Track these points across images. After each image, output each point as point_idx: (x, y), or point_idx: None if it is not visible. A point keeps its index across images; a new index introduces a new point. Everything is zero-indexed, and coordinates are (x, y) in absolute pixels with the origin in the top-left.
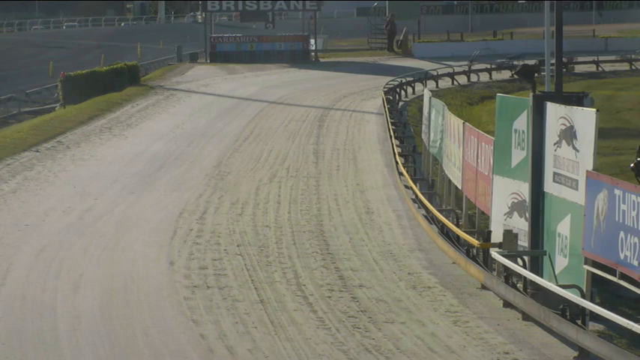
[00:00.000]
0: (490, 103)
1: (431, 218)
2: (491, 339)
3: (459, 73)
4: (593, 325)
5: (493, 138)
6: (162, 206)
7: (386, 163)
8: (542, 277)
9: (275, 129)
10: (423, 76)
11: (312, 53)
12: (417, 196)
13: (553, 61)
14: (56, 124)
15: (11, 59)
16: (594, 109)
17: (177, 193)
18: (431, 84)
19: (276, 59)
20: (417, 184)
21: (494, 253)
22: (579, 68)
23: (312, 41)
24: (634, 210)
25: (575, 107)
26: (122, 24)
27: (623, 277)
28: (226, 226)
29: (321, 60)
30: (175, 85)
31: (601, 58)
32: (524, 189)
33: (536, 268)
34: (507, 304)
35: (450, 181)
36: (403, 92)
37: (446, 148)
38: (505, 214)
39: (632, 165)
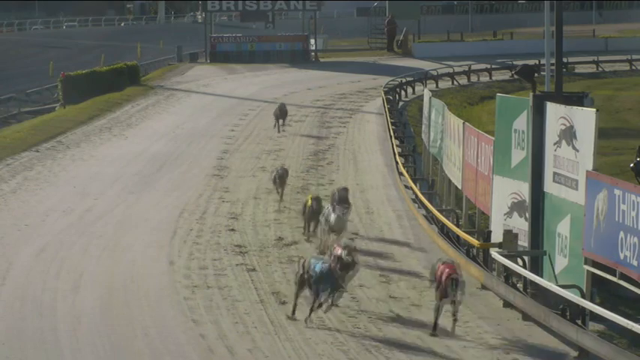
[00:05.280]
0: (490, 103)
1: (431, 218)
2: (491, 339)
3: (459, 73)
4: (593, 325)
5: (493, 138)
6: (163, 206)
7: (386, 163)
8: (542, 277)
9: (275, 129)
10: (423, 76)
11: (312, 53)
12: (417, 196)
13: (553, 61)
14: (56, 124)
15: (11, 59)
16: (594, 109)
17: (178, 193)
18: (431, 84)
19: (276, 59)
20: (417, 184)
21: (494, 253)
22: (579, 68)
23: (312, 41)
24: (634, 210)
25: (575, 107)
26: (122, 24)
27: (623, 277)
28: (226, 226)
29: (321, 60)
30: (175, 85)
31: (601, 58)
32: (524, 189)
33: (536, 268)
34: (507, 304)
35: (450, 181)
36: (403, 92)
37: (446, 148)
38: (505, 214)
39: (632, 165)
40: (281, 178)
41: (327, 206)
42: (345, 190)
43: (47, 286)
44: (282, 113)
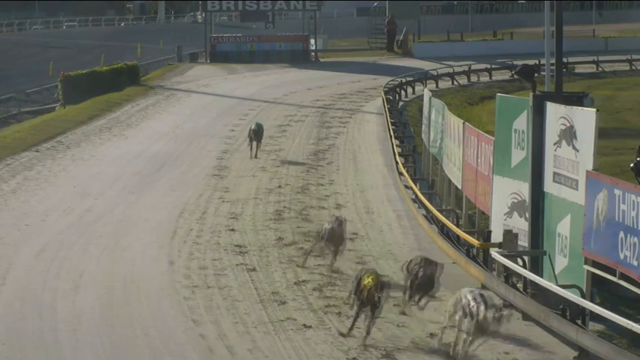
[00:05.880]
0: (490, 103)
1: (431, 218)
2: (491, 339)
3: (459, 73)
4: (593, 325)
5: (493, 138)
6: (163, 206)
7: (386, 163)
8: (542, 277)
9: (275, 129)
10: (423, 76)
11: (312, 53)
12: (417, 196)
13: (553, 61)
14: (56, 124)
15: (11, 59)
16: (594, 109)
17: (178, 192)
18: (431, 84)
19: (276, 59)
20: (417, 184)
21: (494, 253)
22: (579, 68)
23: (312, 41)
24: (634, 210)
25: (575, 107)
26: (122, 24)
27: (623, 277)
28: (226, 226)
29: (321, 60)
30: (175, 85)
31: (601, 58)
32: (524, 189)
33: (536, 268)
34: (507, 304)
35: (450, 181)
36: (403, 92)
37: (446, 148)
38: (505, 214)
39: (632, 165)
40: None
41: (462, 299)
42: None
43: (47, 286)
44: (257, 135)
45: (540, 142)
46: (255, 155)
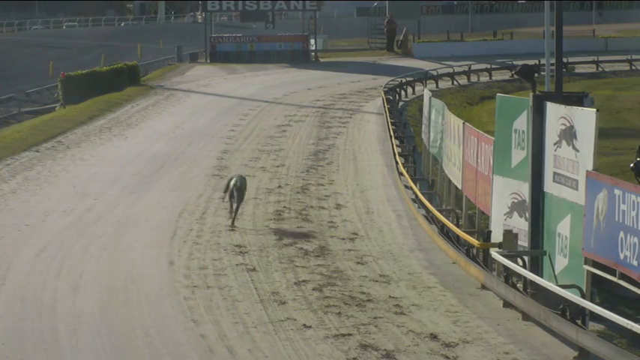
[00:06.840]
0: (490, 103)
1: (431, 218)
2: (491, 339)
3: (459, 73)
4: (593, 325)
5: (493, 138)
6: (163, 206)
7: (386, 163)
8: (542, 277)
9: (275, 129)
10: (423, 76)
11: (312, 53)
12: (417, 196)
13: (553, 61)
14: (56, 124)
15: (11, 59)
16: (594, 109)
17: (178, 192)
18: (431, 84)
19: (276, 59)
20: (417, 184)
21: (494, 253)
22: (579, 68)
23: (312, 41)
24: (634, 210)
25: (575, 107)
26: (122, 24)
27: (623, 277)
28: (226, 226)
29: (321, 60)
30: (175, 85)
31: (601, 58)
32: (524, 189)
33: (536, 268)
34: (507, 304)
35: (450, 181)
36: (403, 92)
37: (446, 148)
38: (505, 214)
39: (632, 165)
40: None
41: None
42: None
43: (47, 286)
44: (239, 192)
45: (540, 142)
46: (232, 223)
